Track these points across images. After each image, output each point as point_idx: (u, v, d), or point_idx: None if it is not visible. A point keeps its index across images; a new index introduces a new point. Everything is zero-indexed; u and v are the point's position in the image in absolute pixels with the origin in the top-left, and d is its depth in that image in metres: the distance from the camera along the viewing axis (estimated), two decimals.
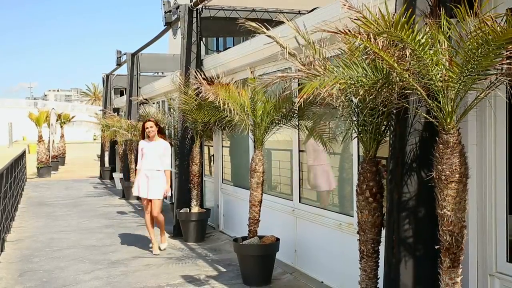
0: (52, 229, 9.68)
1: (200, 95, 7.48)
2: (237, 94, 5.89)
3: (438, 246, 3.26)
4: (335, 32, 3.09)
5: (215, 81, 6.64)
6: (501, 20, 2.80)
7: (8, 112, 51.93)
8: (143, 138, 7.75)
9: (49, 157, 22.04)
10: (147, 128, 7.60)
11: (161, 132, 7.71)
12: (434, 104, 3.12)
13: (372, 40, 2.98)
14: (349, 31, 3.01)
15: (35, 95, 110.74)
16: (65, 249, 8.03)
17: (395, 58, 3.06)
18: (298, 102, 3.24)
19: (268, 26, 4.42)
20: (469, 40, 2.82)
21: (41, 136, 21.47)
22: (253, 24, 4.34)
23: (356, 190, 4.21)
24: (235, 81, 6.53)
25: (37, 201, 13.81)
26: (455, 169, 3.13)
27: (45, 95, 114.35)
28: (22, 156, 16.60)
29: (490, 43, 2.69)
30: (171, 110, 10.43)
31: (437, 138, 3.22)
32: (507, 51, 2.75)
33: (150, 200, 7.62)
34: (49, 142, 23.39)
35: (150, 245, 7.90)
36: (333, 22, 4.45)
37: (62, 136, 27.16)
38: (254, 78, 6.33)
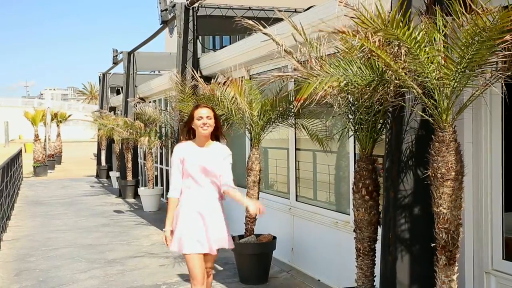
0: (48, 228, 9.66)
1: (197, 93, 7.48)
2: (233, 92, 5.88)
3: (434, 244, 3.27)
4: (334, 32, 3.08)
5: (212, 80, 6.64)
6: (493, 16, 2.80)
7: (4, 111, 51.82)
8: (189, 137, 4.15)
9: (46, 156, 22.00)
10: (200, 118, 4.02)
11: (217, 130, 4.15)
12: (430, 102, 3.12)
13: (369, 39, 2.99)
14: (348, 31, 3.01)
15: (32, 94, 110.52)
16: (61, 248, 8.01)
17: (391, 56, 3.06)
18: (296, 106, 3.26)
19: (265, 24, 4.42)
20: (462, 33, 2.82)
21: (37, 135, 21.44)
22: (250, 22, 4.35)
23: (353, 188, 4.21)
24: (233, 79, 6.52)
25: (33, 200, 13.78)
26: (451, 167, 3.14)
27: (41, 94, 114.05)
28: (18, 155, 16.56)
29: (482, 35, 2.69)
30: (168, 108, 10.42)
31: (433, 136, 3.22)
32: (501, 43, 2.75)
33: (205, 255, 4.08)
34: (45, 141, 23.36)
35: None
36: (330, 20, 4.47)
37: (58, 135, 27.13)
38: (250, 77, 6.31)
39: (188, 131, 4.15)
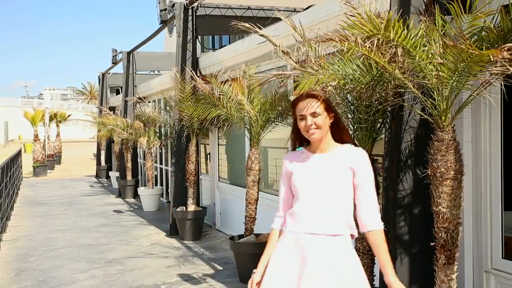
0: (48, 228, 9.66)
1: (196, 93, 7.48)
2: (233, 91, 5.89)
3: (433, 243, 3.27)
4: (331, 40, 3.08)
5: (212, 80, 6.62)
6: (492, 18, 2.80)
7: (4, 111, 51.83)
8: (298, 144, 2.76)
9: (45, 156, 22.00)
10: (302, 118, 2.61)
11: (336, 124, 2.67)
12: (428, 102, 3.12)
13: (364, 43, 2.98)
14: (342, 37, 3.00)
15: (31, 94, 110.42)
16: (61, 248, 8.01)
17: (388, 56, 3.06)
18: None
19: (261, 26, 4.41)
20: (462, 39, 2.82)
21: (37, 135, 21.45)
22: (246, 24, 4.33)
23: None
24: (235, 78, 6.51)
25: (33, 200, 13.77)
26: (450, 166, 3.14)
27: (41, 94, 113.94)
28: (18, 155, 16.56)
29: (483, 42, 2.70)
30: (167, 108, 10.41)
31: (432, 135, 3.22)
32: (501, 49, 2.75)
33: None
34: (45, 141, 23.36)
35: None
36: (328, 20, 4.47)
37: (58, 135, 27.13)
38: (249, 75, 6.30)
39: (298, 137, 2.71)
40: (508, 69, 2.60)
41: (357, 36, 2.93)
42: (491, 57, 2.52)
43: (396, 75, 3.07)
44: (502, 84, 3.13)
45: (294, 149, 2.77)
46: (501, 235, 3.70)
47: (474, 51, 2.57)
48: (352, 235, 2.61)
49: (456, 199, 3.18)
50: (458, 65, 2.81)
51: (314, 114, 2.57)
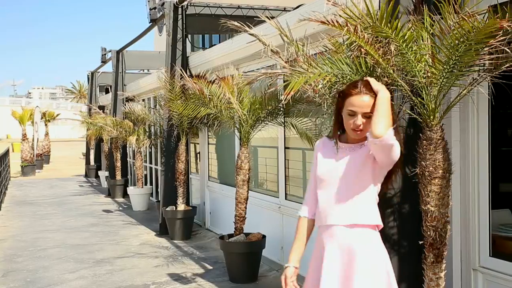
0: (36, 228, 9.58)
1: (186, 92, 7.45)
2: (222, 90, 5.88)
3: (422, 242, 3.28)
4: (324, 23, 3.07)
5: (201, 79, 6.60)
6: (483, 17, 2.82)
7: None
8: (338, 130, 2.58)
9: (34, 155, 21.82)
10: (352, 114, 2.41)
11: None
12: (417, 101, 3.14)
13: (358, 34, 2.99)
14: (338, 24, 3.01)
15: (20, 93, 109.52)
16: (49, 248, 7.95)
17: (380, 53, 3.07)
18: (285, 99, 3.19)
19: (250, 25, 4.40)
20: (450, 37, 2.84)
21: (25, 134, 21.27)
22: (235, 23, 4.32)
23: None
24: (223, 77, 6.49)
25: (21, 200, 13.66)
26: (439, 165, 3.15)
27: (29, 93, 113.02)
28: (5, 154, 16.42)
29: (470, 39, 2.71)
30: (157, 107, 10.37)
31: (420, 135, 3.24)
32: (487, 47, 2.77)
33: None
34: (33, 140, 23.17)
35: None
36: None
37: (46, 134, 26.92)
38: (239, 74, 6.29)
39: (340, 128, 2.56)
40: (498, 65, 2.63)
41: (353, 27, 2.94)
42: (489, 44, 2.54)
43: (388, 71, 3.08)
44: (490, 83, 3.16)
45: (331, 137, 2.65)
46: (489, 233, 3.73)
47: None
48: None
49: (444, 198, 3.20)
50: (452, 56, 2.83)
51: (366, 115, 2.32)
